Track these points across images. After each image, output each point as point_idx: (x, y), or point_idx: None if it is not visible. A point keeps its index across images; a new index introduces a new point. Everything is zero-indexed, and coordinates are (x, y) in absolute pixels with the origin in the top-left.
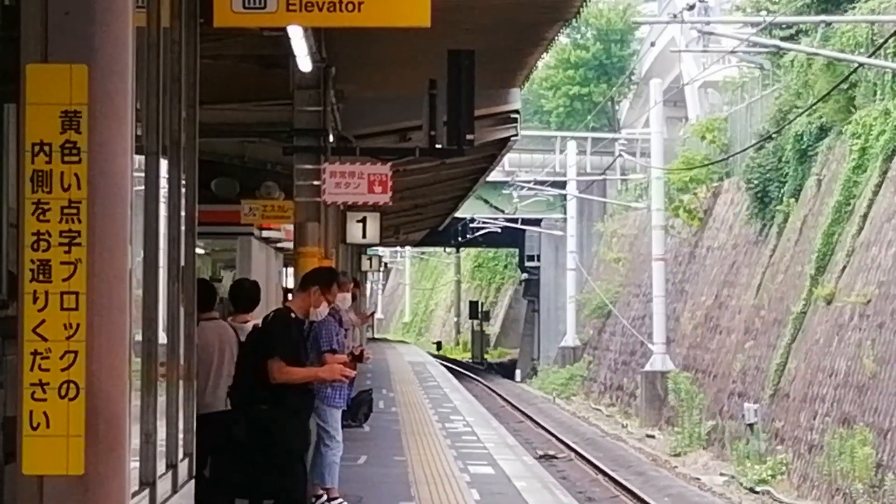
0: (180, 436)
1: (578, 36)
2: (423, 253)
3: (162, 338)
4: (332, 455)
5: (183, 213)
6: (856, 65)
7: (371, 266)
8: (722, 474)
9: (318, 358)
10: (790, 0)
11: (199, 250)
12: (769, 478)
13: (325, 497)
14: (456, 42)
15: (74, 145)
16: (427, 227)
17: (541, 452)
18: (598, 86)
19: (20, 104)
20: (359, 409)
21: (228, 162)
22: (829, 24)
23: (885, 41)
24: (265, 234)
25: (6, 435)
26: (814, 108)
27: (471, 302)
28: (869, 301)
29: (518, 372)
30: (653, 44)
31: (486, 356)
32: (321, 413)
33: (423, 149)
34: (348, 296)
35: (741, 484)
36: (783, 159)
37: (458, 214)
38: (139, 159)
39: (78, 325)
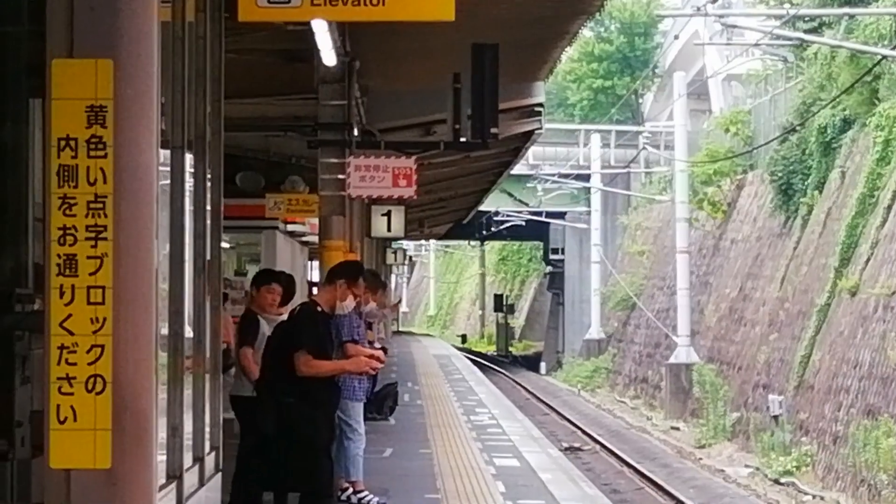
0: (207, 429)
1: (602, 29)
2: (447, 246)
3: (188, 332)
4: (355, 448)
5: (208, 208)
6: (879, 57)
7: (396, 259)
8: (747, 466)
9: (340, 349)
10: None
11: (224, 244)
12: (794, 469)
13: (350, 490)
14: (480, 36)
15: (100, 140)
16: (452, 221)
17: (566, 445)
18: (621, 79)
19: (46, 99)
20: (384, 402)
21: (253, 156)
22: (852, 16)
23: None
24: (290, 227)
25: (34, 429)
26: (837, 100)
27: (495, 295)
28: (893, 293)
29: (543, 364)
30: (676, 37)
31: (510, 349)
32: (343, 406)
33: (447, 142)
34: (373, 305)
35: (766, 475)
36: (807, 151)
37: (482, 208)
38: (164, 154)
39: (104, 319)
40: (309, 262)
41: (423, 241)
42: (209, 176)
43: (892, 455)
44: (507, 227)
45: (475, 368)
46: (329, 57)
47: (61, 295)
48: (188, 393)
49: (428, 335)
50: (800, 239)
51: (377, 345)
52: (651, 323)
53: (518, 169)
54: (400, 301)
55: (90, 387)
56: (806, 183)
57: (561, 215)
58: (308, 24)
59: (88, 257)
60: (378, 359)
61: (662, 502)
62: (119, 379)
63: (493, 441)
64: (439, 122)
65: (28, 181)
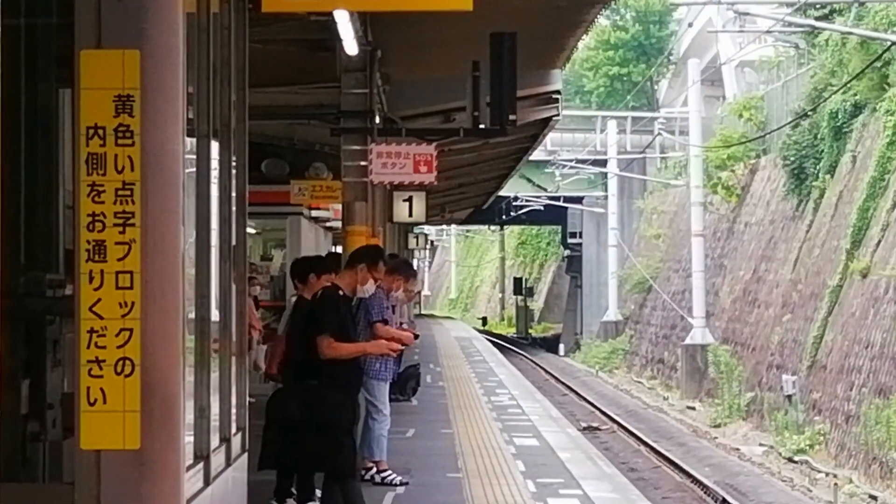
0: (233, 410)
1: (618, 17)
2: (468, 231)
3: (214, 315)
4: (380, 428)
5: (234, 194)
6: (889, 43)
7: (418, 244)
8: (761, 444)
9: (369, 329)
10: None
11: (249, 230)
12: (807, 447)
13: (374, 469)
14: (498, 24)
15: (128, 128)
16: (472, 206)
17: (584, 424)
18: (637, 66)
19: (75, 89)
20: (407, 384)
21: (278, 144)
22: (862, 3)
23: None
24: (314, 213)
25: (65, 411)
26: (848, 85)
27: (515, 278)
28: None
29: (561, 346)
30: (690, 24)
31: (530, 331)
32: (369, 387)
33: (467, 129)
34: (400, 293)
35: (780, 454)
36: (819, 136)
37: (501, 193)
38: (191, 142)
39: (133, 303)
40: (333, 247)
41: (444, 226)
42: (234, 163)
43: None
44: (525, 212)
45: (495, 350)
46: (351, 46)
47: (91, 280)
48: (215, 375)
49: (449, 318)
50: (812, 222)
51: (405, 325)
52: (667, 305)
53: (536, 155)
54: (420, 290)
55: (119, 369)
56: (818, 167)
57: (578, 200)
58: (331, 14)
59: (117, 243)
60: (402, 341)
61: (679, 480)
62: (147, 361)
63: (513, 421)
64: (459, 109)
65: (58, 169)
